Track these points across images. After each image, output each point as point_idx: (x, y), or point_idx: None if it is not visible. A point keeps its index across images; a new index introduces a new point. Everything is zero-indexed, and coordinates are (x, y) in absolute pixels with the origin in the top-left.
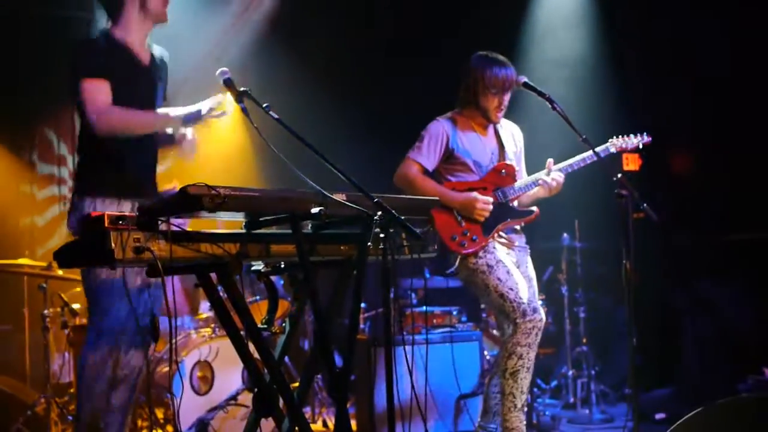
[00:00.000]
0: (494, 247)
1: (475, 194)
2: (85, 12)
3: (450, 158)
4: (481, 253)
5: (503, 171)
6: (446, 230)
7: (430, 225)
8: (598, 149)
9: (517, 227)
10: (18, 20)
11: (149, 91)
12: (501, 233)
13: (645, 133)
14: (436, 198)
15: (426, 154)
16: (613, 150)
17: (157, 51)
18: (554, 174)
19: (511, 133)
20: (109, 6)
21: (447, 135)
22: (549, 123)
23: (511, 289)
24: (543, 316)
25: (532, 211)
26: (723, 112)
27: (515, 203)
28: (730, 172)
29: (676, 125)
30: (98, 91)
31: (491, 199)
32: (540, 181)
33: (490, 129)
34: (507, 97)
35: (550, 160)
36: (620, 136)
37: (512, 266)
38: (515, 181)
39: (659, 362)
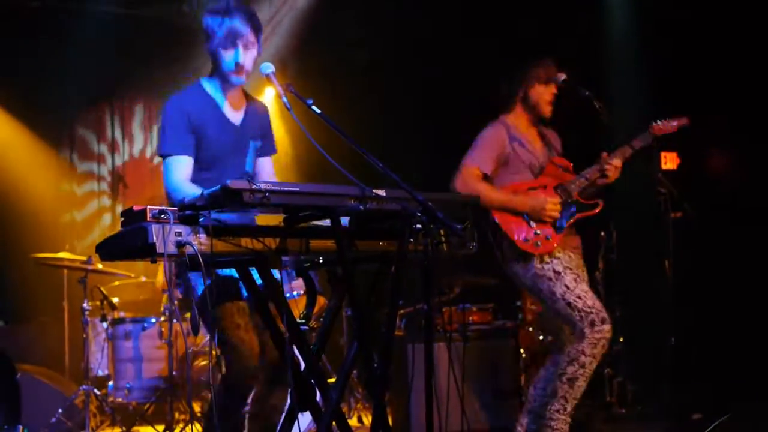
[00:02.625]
0: (559, 251)
1: (543, 196)
2: (124, 8)
3: (506, 162)
4: (547, 258)
5: (561, 166)
6: (517, 233)
7: (469, 221)
8: (639, 136)
9: (573, 229)
10: (58, 19)
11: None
12: (572, 231)
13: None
14: (477, 195)
15: (484, 159)
16: (654, 133)
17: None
18: (613, 161)
19: (554, 139)
20: None
21: (503, 139)
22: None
23: (579, 298)
24: (611, 326)
25: (597, 204)
26: (762, 108)
27: (578, 197)
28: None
29: (715, 123)
30: None
31: (558, 199)
32: (601, 169)
33: (536, 133)
34: (554, 91)
35: (604, 153)
36: (659, 121)
37: (579, 273)
38: (573, 175)
39: (696, 362)
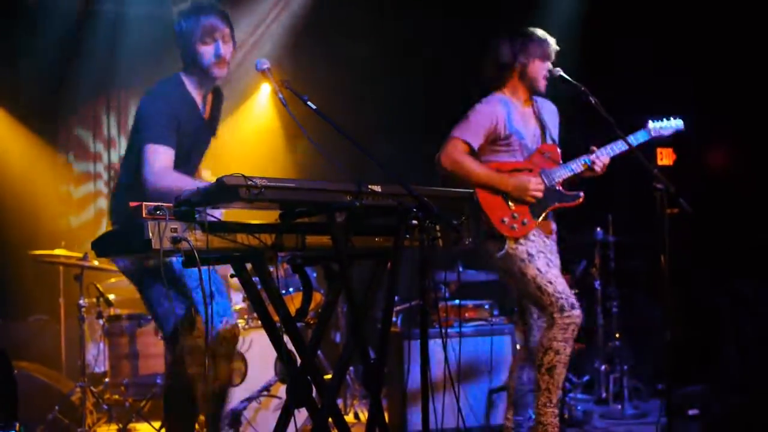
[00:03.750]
0: (534, 234)
1: (527, 176)
2: (114, 5)
3: (497, 139)
4: (522, 240)
5: (547, 153)
6: (495, 212)
7: (465, 217)
8: (634, 134)
9: (552, 215)
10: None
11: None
12: (549, 217)
13: (680, 119)
14: (471, 191)
15: (474, 133)
16: (651, 135)
17: None
18: (601, 156)
19: (549, 113)
20: None
21: (497, 115)
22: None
23: (550, 282)
24: (580, 311)
25: (579, 195)
26: (761, 105)
27: (560, 187)
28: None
29: (712, 119)
30: None
31: (542, 181)
32: (585, 161)
33: (530, 109)
34: (550, 67)
35: (593, 147)
36: (656, 120)
37: (552, 257)
38: (559, 163)
39: (692, 358)
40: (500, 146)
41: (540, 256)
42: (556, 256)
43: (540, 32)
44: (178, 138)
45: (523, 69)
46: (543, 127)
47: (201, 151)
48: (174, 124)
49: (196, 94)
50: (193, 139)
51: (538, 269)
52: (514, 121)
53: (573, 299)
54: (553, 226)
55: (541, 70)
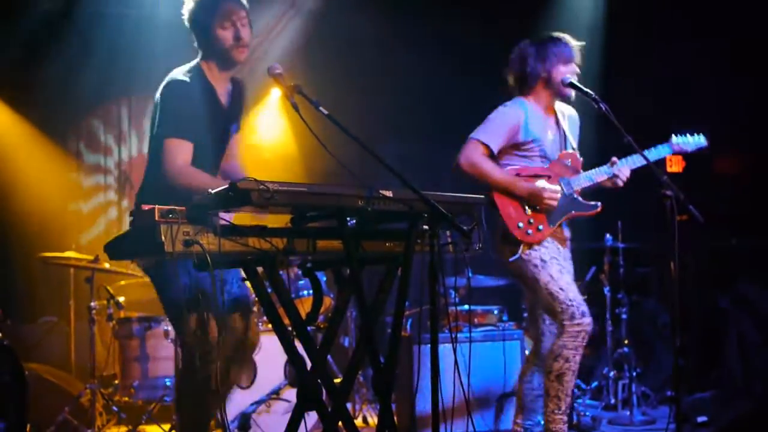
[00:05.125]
0: (549, 241)
1: (543, 183)
2: (128, 8)
3: (517, 144)
4: (536, 245)
5: (568, 161)
6: (512, 217)
7: (476, 222)
8: (656, 148)
9: (567, 223)
10: (67, 13)
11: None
12: (563, 225)
13: (702, 136)
14: (482, 197)
15: (494, 136)
16: (674, 150)
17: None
18: (623, 169)
19: (571, 121)
20: None
21: (519, 120)
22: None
23: (562, 289)
24: (591, 319)
25: (597, 205)
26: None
27: (579, 195)
28: None
29: (721, 126)
30: None
31: (559, 189)
32: (607, 172)
33: (552, 117)
34: (575, 71)
35: (614, 159)
36: (678, 135)
37: (566, 265)
38: (579, 172)
39: (701, 365)
40: (520, 151)
41: (553, 262)
42: (570, 263)
43: (560, 36)
44: (197, 130)
45: (548, 76)
46: (564, 136)
47: (222, 142)
48: (193, 116)
49: (216, 83)
50: (213, 130)
51: (551, 275)
52: (532, 126)
53: (584, 307)
54: (568, 234)
55: (565, 74)
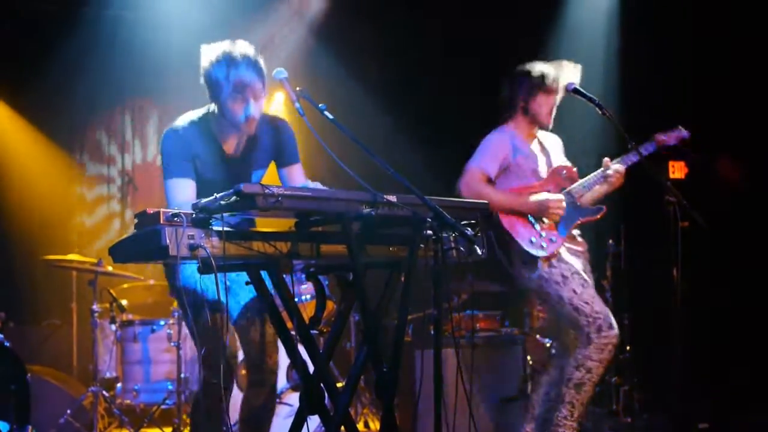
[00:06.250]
0: (566, 255)
1: (546, 195)
2: (130, 11)
3: (508, 169)
4: (555, 262)
5: (563, 172)
6: (523, 235)
7: (480, 229)
8: (644, 145)
9: (579, 232)
10: (69, 21)
11: None
12: (573, 234)
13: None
14: (486, 201)
15: (488, 163)
16: (658, 144)
17: None
18: (615, 167)
19: (554, 145)
20: None
21: (506, 147)
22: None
23: (587, 303)
24: (617, 331)
25: (601, 209)
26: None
27: (581, 203)
28: None
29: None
30: None
31: (563, 197)
32: (604, 175)
33: (536, 142)
34: (557, 100)
35: (607, 159)
36: (663, 133)
37: (586, 276)
38: (575, 181)
39: (703, 371)
40: (514, 172)
41: (575, 276)
42: (590, 274)
43: (541, 67)
44: (199, 167)
45: (525, 105)
46: (548, 153)
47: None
48: (189, 157)
49: (221, 135)
50: (216, 179)
51: (574, 290)
52: (522, 151)
53: (611, 319)
54: (584, 245)
55: (544, 105)
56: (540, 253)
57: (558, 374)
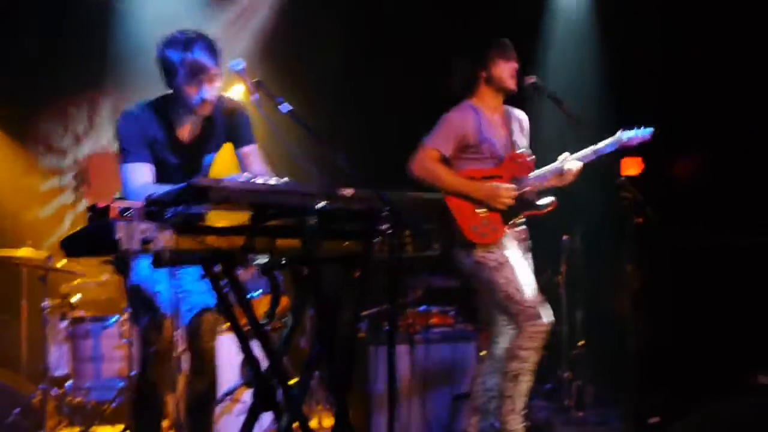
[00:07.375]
0: (504, 243)
1: (497, 183)
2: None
3: (468, 146)
4: (492, 247)
5: (518, 160)
6: (466, 220)
7: (435, 222)
8: (604, 143)
9: (524, 219)
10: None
11: None
12: (517, 223)
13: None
14: (440, 196)
15: (444, 141)
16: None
17: None
18: (571, 162)
19: (519, 122)
20: None
21: (468, 124)
22: (554, 122)
23: (518, 290)
24: (548, 319)
25: (551, 202)
26: (726, 110)
27: (533, 194)
28: (734, 173)
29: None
30: None
31: (513, 187)
32: (560, 169)
33: (499, 116)
34: (515, 66)
35: (566, 153)
36: (626, 130)
37: (523, 264)
38: (531, 170)
39: (656, 366)
40: (471, 154)
41: (509, 263)
42: (528, 264)
43: (497, 38)
44: (155, 150)
45: (488, 74)
46: (510, 134)
47: (193, 168)
48: (145, 141)
49: (176, 119)
50: (168, 164)
51: (507, 277)
52: (484, 128)
53: (543, 308)
54: (525, 233)
55: (505, 69)
56: (480, 241)
57: (491, 364)
